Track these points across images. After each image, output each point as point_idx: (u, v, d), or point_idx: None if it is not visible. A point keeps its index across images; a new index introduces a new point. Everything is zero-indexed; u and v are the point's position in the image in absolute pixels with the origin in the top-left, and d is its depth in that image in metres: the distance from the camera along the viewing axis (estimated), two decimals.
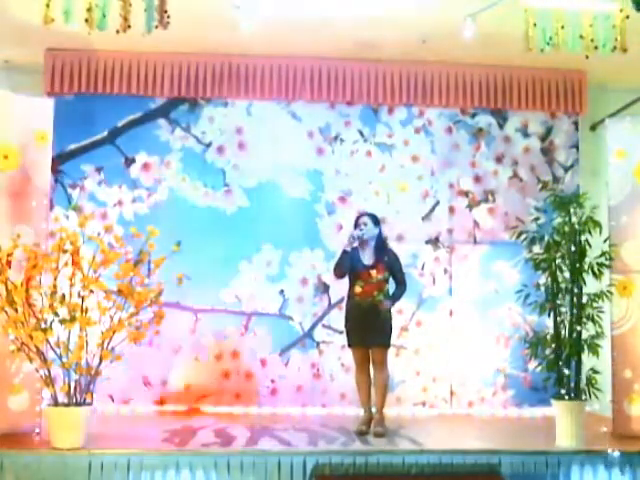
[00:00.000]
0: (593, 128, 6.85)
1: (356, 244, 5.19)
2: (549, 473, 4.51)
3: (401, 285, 5.23)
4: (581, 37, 4.77)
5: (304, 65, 6.49)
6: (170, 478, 4.34)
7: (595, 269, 4.96)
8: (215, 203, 6.52)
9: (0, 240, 4.71)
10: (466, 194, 6.71)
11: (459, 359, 6.50)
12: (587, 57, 5.03)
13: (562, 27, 4.75)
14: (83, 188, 6.42)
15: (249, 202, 6.53)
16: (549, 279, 5.01)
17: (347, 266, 5.20)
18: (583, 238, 5.00)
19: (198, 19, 5.56)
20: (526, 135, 6.81)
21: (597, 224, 5.00)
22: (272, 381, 6.38)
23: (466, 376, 6.49)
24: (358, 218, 5.34)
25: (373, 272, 5.07)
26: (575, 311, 4.92)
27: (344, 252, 5.17)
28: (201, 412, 6.16)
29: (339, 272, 5.25)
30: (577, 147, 6.83)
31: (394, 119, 6.71)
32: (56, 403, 4.58)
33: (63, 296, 4.56)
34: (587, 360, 4.93)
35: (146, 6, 4.42)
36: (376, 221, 5.31)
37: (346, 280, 5.32)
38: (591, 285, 5.00)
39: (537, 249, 5.13)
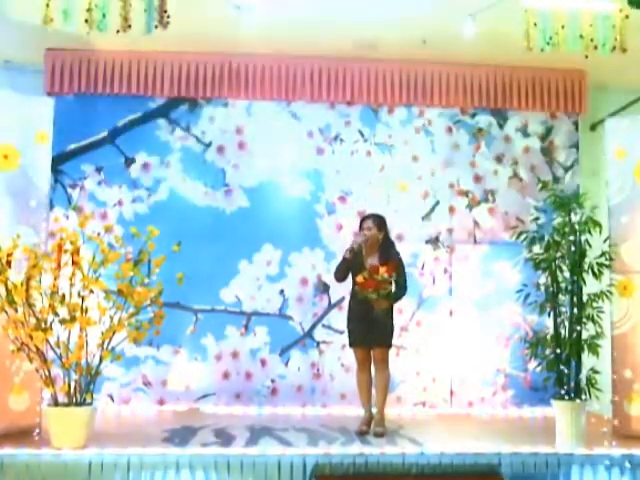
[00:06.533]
0: (593, 128, 6.85)
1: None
2: (549, 473, 4.50)
3: (401, 288, 5.19)
4: (581, 37, 4.77)
5: (304, 65, 6.50)
6: (170, 478, 4.33)
7: (595, 269, 4.96)
8: (215, 203, 6.52)
9: (0, 240, 4.71)
10: (466, 194, 6.71)
11: (459, 359, 6.50)
12: (587, 57, 5.03)
13: (562, 27, 4.75)
14: (83, 188, 6.43)
15: (249, 202, 6.53)
16: (549, 279, 5.01)
17: (347, 271, 5.20)
18: (583, 238, 5.00)
19: (198, 19, 5.56)
20: (526, 135, 6.81)
21: (597, 224, 4.99)
22: (272, 381, 6.38)
23: (466, 376, 6.49)
24: (362, 221, 5.29)
25: (382, 269, 4.99)
26: (575, 311, 4.91)
27: (344, 259, 5.16)
28: (201, 412, 6.16)
29: (339, 276, 5.26)
30: (577, 147, 6.83)
31: (394, 119, 6.71)
32: (56, 403, 4.58)
33: (63, 296, 4.56)
34: (587, 360, 4.92)
35: (146, 6, 4.42)
36: (381, 224, 5.26)
37: (346, 280, 5.33)
38: (591, 285, 4.99)
39: (537, 249, 5.12)
